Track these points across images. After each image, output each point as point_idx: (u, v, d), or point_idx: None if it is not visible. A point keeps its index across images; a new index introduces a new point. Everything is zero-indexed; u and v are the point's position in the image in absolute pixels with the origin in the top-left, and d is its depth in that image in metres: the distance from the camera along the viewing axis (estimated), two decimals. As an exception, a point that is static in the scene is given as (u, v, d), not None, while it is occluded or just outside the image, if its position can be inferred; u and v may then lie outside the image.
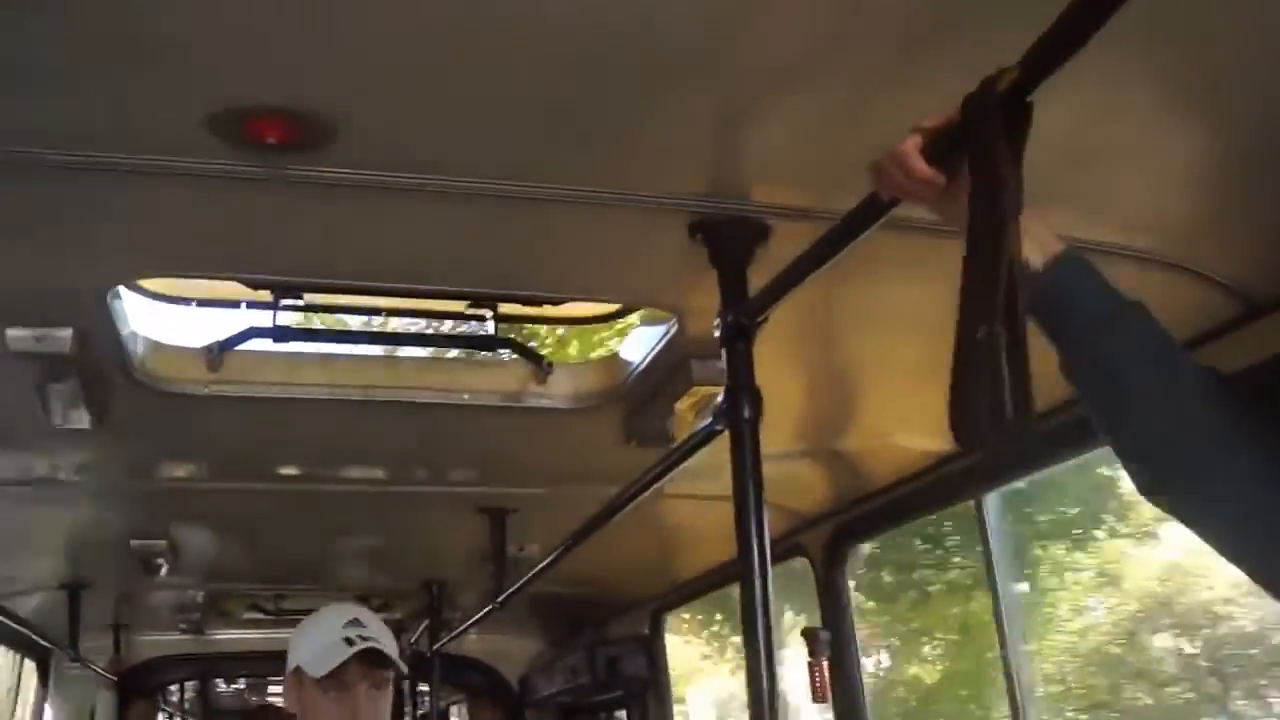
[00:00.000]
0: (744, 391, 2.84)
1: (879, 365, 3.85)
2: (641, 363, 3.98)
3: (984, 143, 1.85)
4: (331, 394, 4.26)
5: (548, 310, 4.15)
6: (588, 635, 8.41)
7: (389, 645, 3.63)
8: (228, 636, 9.96)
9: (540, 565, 5.37)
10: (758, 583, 2.74)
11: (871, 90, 2.35)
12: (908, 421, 4.26)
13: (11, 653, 8.83)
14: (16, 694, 9.10)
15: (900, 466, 4.57)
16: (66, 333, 3.37)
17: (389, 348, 4.24)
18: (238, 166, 2.58)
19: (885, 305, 3.36)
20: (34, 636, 7.79)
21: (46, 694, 9.36)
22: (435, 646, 8.16)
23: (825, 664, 4.76)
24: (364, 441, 4.82)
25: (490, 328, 4.05)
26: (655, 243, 3.06)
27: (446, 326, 4.22)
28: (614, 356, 4.21)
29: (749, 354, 2.86)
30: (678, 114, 2.46)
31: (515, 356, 4.22)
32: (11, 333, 3.34)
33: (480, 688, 10.57)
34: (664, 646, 7.78)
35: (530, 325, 4.27)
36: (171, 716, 15.82)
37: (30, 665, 9.09)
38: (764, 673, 2.67)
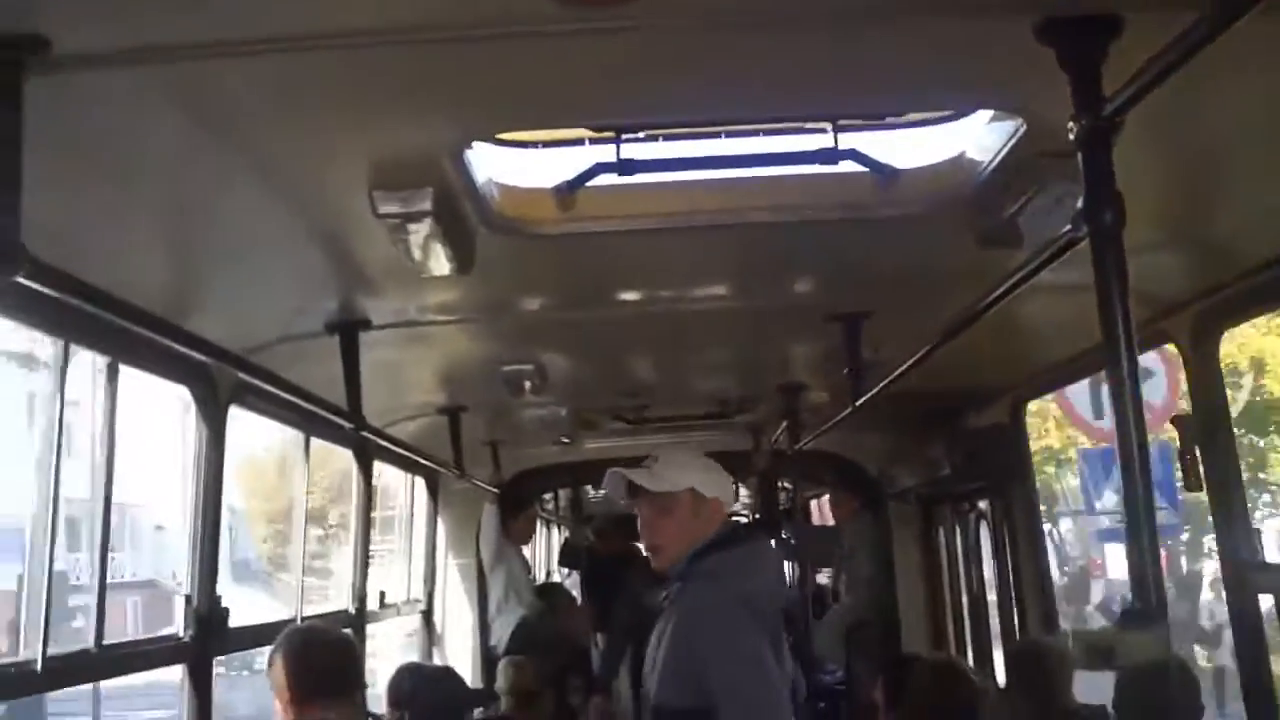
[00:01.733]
0: (1103, 197, 2.72)
1: (1250, 149, 3.60)
2: (989, 164, 3.86)
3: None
4: (678, 221, 4.33)
5: (889, 118, 4.05)
6: (946, 427, 8.38)
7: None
8: (595, 445, 10.42)
9: (898, 371, 5.37)
10: (1127, 381, 2.70)
11: None
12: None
13: (404, 474, 9.52)
14: (411, 512, 9.85)
15: (1272, 245, 4.29)
16: (427, 190, 3.55)
17: (732, 170, 4.24)
18: (577, 23, 2.62)
19: (1257, 88, 3.13)
20: (421, 460, 8.36)
21: (437, 508, 10.09)
22: (795, 446, 8.33)
23: (1197, 451, 4.61)
24: (713, 263, 4.90)
25: (831, 140, 3.99)
26: (1000, 46, 2.93)
27: (787, 144, 4.19)
28: (961, 159, 4.09)
29: (1107, 157, 2.73)
30: None
31: (859, 167, 4.15)
32: (378, 195, 3.54)
33: (840, 481, 10.74)
34: (1026, 436, 7.67)
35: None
36: (548, 523, 16.78)
37: (420, 484, 9.80)
38: (1137, 464, 2.65)
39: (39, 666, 3.84)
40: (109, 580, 4.63)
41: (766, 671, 4.64)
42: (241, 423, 5.25)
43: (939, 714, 5.90)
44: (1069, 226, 3.02)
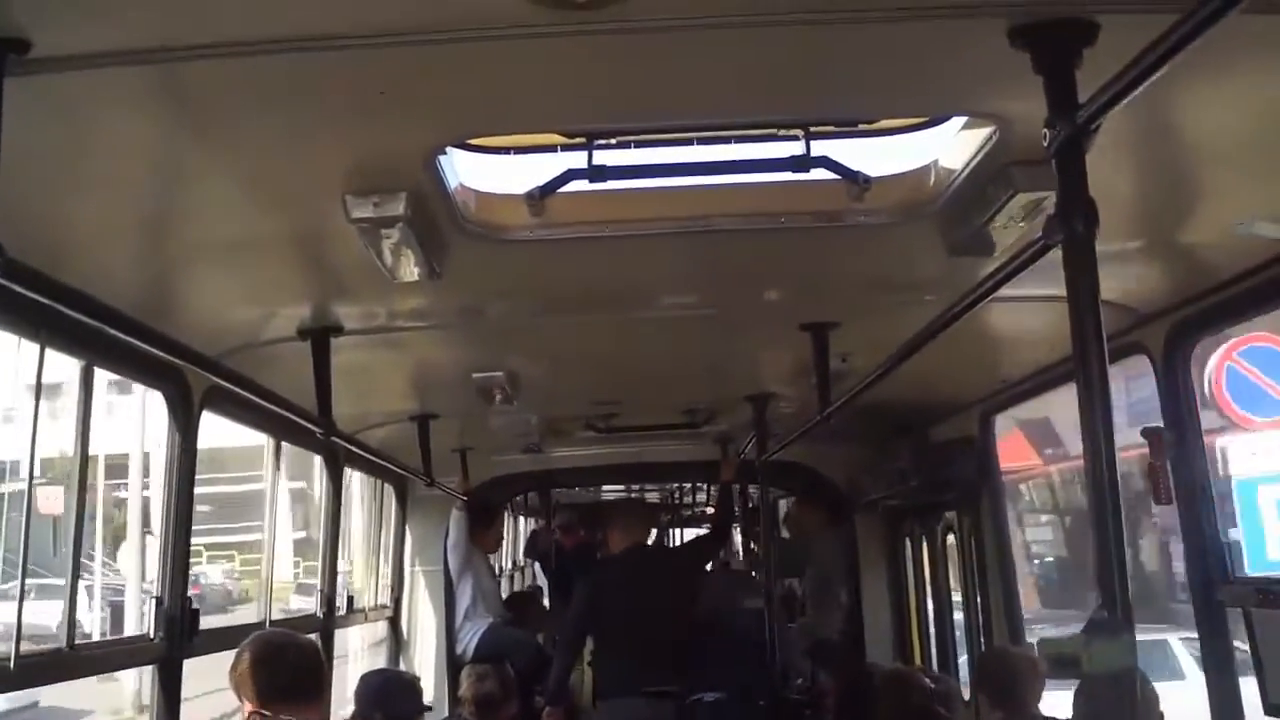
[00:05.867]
0: (1076, 204, 2.72)
1: (1225, 155, 3.60)
2: (962, 173, 3.86)
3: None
4: (650, 228, 4.33)
5: (861, 125, 4.05)
6: (915, 439, 8.38)
7: None
8: (564, 453, 10.41)
9: (867, 379, 5.37)
10: (1097, 391, 2.69)
11: None
12: (1259, 209, 4.01)
13: (371, 479, 9.49)
14: (380, 518, 9.81)
15: (1248, 256, 4.29)
16: (400, 195, 3.54)
17: (703, 177, 4.24)
18: (551, 26, 2.62)
19: (1234, 93, 3.13)
20: (391, 466, 8.33)
21: (406, 515, 10.06)
22: (763, 456, 8.33)
23: (1168, 465, 4.61)
24: (683, 270, 4.90)
25: (803, 147, 4.00)
26: (974, 52, 2.94)
27: (759, 151, 4.19)
28: (932, 167, 4.10)
29: (1081, 164, 2.73)
30: None
31: (831, 175, 4.15)
32: (351, 200, 3.53)
33: (807, 492, 10.73)
34: (994, 448, 7.68)
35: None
36: (516, 514, 16.80)
37: (389, 490, 9.77)
38: (1104, 475, 2.65)
39: (12, 665, 3.87)
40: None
41: None
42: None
43: None
44: (1040, 235, 3.02)
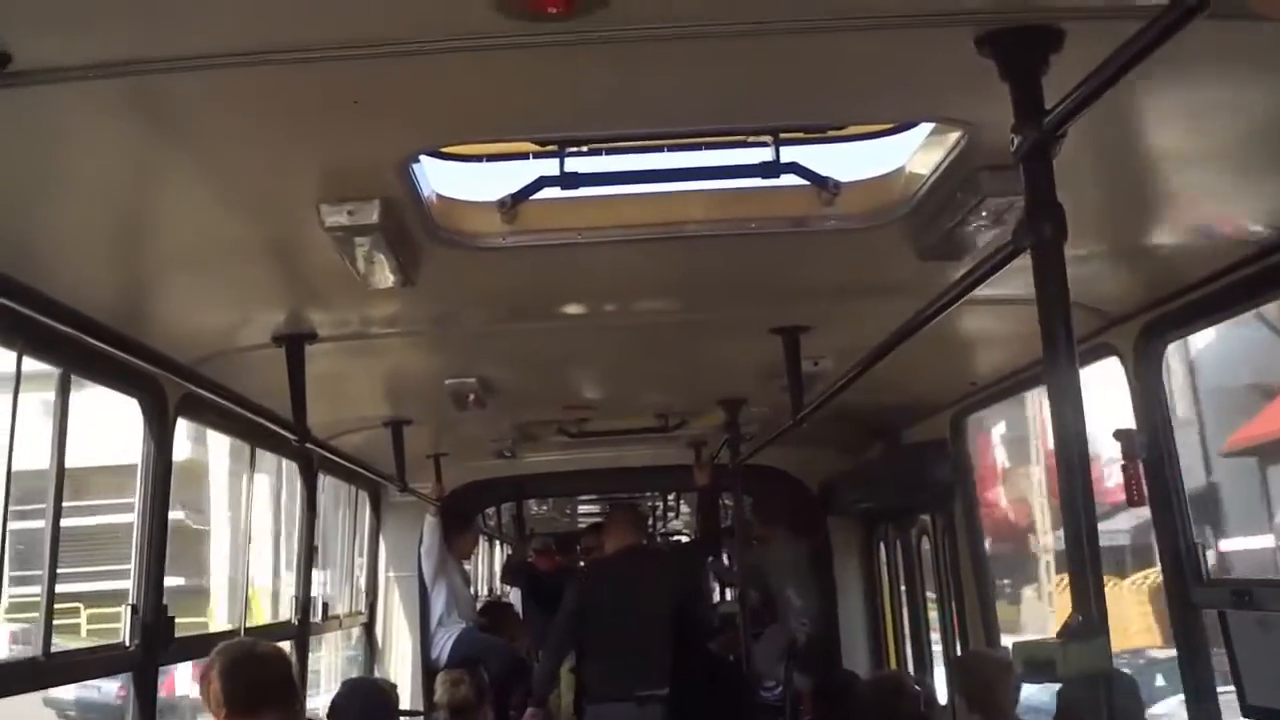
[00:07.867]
0: (1045, 210, 2.75)
1: (1191, 158, 3.64)
2: (931, 178, 3.90)
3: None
4: (621, 234, 4.35)
5: (830, 131, 4.08)
6: (887, 442, 8.41)
7: None
8: (537, 459, 10.41)
9: (838, 384, 5.40)
10: (1068, 396, 2.71)
11: None
12: (1225, 211, 4.05)
13: (346, 486, 9.47)
14: (354, 524, 9.79)
15: (1217, 258, 4.33)
16: (374, 202, 3.56)
17: (674, 184, 4.27)
18: (523, 37, 2.64)
19: (1198, 98, 3.17)
20: (365, 471, 8.33)
21: (380, 521, 10.04)
22: (736, 461, 8.35)
23: (1140, 466, 4.64)
24: (655, 276, 4.93)
25: (773, 154, 4.02)
26: (941, 59, 2.97)
27: (729, 158, 4.22)
28: (901, 172, 4.13)
29: (1049, 169, 2.76)
30: None
31: (801, 180, 4.18)
32: (325, 209, 3.55)
33: (780, 496, 10.71)
34: (967, 450, 7.71)
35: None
36: (491, 539, 16.72)
37: (364, 496, 9.75)
38: (1077, 477, 2.66)
39: None
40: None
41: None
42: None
43: None
44: (1009, 239, 3.05)
